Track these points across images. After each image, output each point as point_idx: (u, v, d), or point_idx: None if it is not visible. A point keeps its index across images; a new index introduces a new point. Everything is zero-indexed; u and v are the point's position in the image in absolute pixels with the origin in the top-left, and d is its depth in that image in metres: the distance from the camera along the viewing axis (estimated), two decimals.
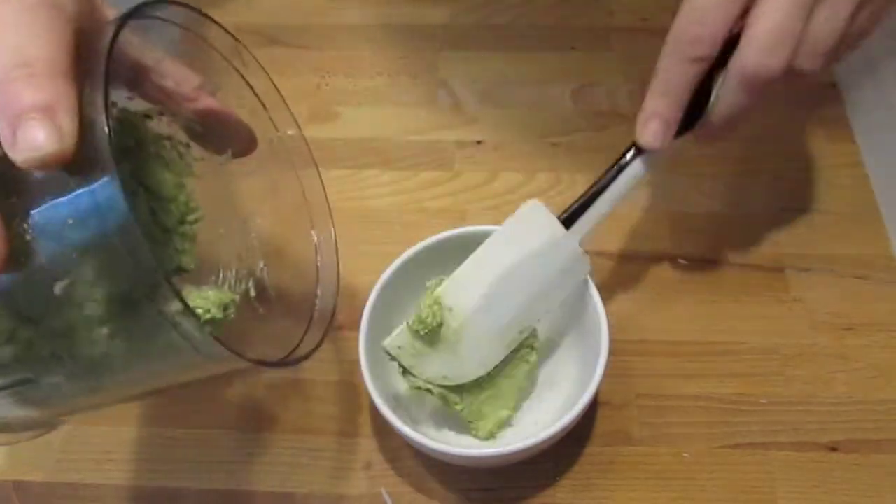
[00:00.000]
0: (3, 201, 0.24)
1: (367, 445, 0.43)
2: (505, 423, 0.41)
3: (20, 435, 0.31)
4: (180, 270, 0.34)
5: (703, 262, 0.48)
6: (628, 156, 0.39)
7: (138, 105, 0.32)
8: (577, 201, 0.40)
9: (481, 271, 0.39)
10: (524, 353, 0.43)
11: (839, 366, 0.44)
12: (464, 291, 0.38)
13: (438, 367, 0.39)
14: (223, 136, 0.35)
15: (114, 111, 0.31)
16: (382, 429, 0.43)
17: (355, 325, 0.40)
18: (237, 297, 0.34)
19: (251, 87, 0.35)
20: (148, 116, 0.33)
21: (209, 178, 0.35)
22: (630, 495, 0.40)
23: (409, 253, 0.42)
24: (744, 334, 0.45)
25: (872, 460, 0.40)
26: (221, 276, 0.37)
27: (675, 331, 0.46)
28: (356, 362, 0.39)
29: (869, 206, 0.50)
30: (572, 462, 0.41)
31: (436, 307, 0.38)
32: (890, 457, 0.41)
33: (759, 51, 0.34)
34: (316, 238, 0.37)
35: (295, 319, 0.34)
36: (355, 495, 0.41)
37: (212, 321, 0.31)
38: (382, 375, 0.40)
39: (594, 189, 0.39)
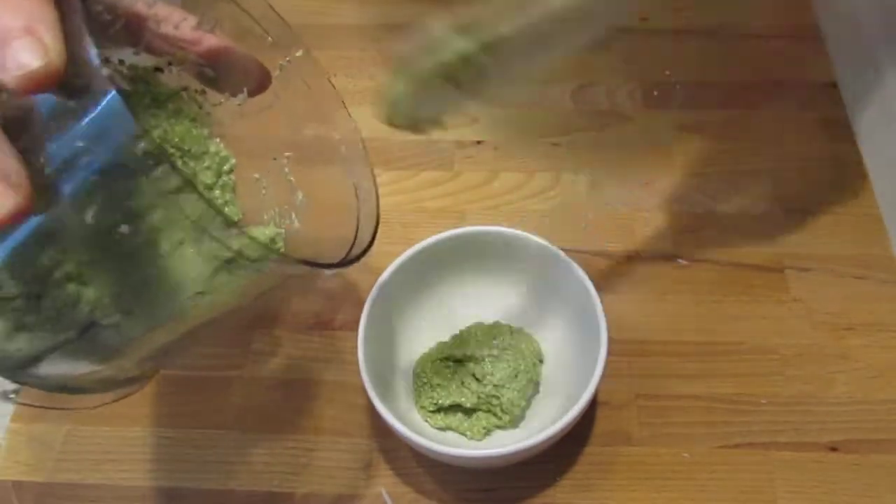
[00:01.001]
0: (16, 142, 0.24)
1: (367, 445, 0.43)
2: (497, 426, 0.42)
3: (102, 396, 0.31)
4: (229, 224, 0.34)
5: (703, 262, 0.48)
6: None
7: (146, 61, 0.31)
8: None
9: None
10: (532, 374, 0.42)
11: (839, 366, 0.44)
12: None
13: None
14: (235, 75, 0.34)
15: (123, 70, 0.31)
16: (382, 429, 0.42)
17: (355, 325, 0.40)
18: (283, 231, 0.34)
19: (247, 12, 0.34)
20: (158, 69, 0.32)
21: (230, 123, 0.35)
22: (630, 495, 0.40)
23: (409, 253, 0.42)
24: (744, 334, 0.45)
25: (872, 460, 0.40)
26: (266, 217, 0.36)
27: (675, 331, 0.46)
28: (356, 362, 0.39)
29: (869, 206, 0.50)
30: (572, 462, 0.41)
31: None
32: (890, 457, 0.41)
33: None
34: (344, 149, 0.37)
35: (341, 234, 0.33)
36: (355, 495, 0.41)
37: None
38: (382, 375, 0.41)
39: None
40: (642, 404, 0.43)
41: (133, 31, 0.31)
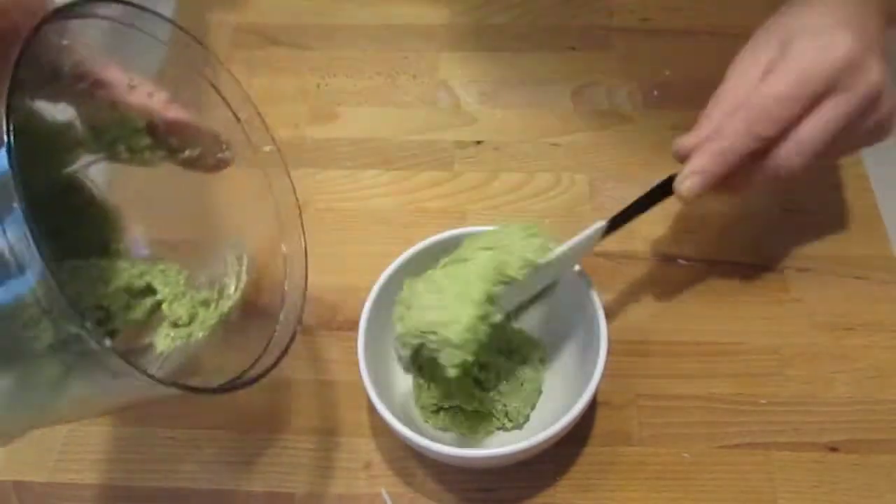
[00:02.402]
0: None
1: (367, 445, 0.43)
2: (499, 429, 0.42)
3: None
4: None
5: (703, 262, 0.48)
6: (659, 192, 0.40)
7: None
8: (617, 217, 0.40)
9: None
10: (536, 381, 0.42)
11: (839, 366, 0.44)
12: None
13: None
14: (198, 149, 0.35)
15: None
16: (382, 429, 0.42)
17: (355, 325, 0.40)
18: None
19: (224, 100, 0.35)
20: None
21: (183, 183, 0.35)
22: (630, 495, 0.40)
23: (409, 253, 0.42)
24: (744, 334, 0.45)
25: (872, 460, 0.40)
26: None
27: (675, 331, 0.46)
28: (356, 362, 0.39)
29: (869, 206, 0.50)
30: (572, 462, 0.41)
31: None
32: (890, 457, 0.41)
33: (799, 154, 0.37)
34: (285, 251, 0.37)
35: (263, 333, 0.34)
36: (355, 495, 0.41)
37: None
38: (382, 375, 0.41)
39: (632, 209, 0.40)
40: (642, 404, 0.43)
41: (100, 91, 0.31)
